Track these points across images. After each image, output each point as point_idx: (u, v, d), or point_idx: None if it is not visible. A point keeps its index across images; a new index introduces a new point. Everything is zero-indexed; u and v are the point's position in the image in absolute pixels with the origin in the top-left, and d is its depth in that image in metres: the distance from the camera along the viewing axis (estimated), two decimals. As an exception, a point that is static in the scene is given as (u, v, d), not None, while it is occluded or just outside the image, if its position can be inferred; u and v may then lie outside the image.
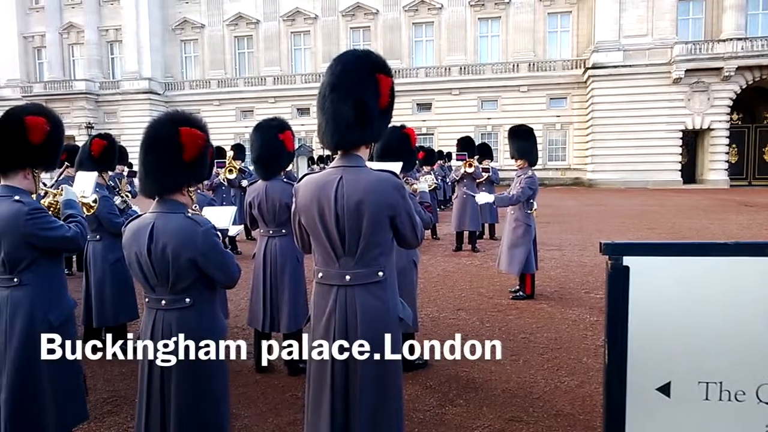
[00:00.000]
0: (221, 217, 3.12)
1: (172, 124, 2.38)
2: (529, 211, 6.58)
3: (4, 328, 2.67)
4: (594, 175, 32.17)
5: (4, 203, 2.64)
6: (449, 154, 17.59)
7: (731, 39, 28.99)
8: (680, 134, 30.91)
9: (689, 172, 31.72)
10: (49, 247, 2.72)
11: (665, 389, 1.75)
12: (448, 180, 15.04)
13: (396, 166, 3.15)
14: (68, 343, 2.79)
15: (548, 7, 34.72)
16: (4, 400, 2.64)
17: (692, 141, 31.84)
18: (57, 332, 2.71)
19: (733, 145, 31.65)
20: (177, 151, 2.35)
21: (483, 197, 6.91)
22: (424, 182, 3.47)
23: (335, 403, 2.30)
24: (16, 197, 2.65)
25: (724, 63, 29.07)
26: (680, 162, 31.38)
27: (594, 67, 31.53)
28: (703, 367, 1.73)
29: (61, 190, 3.14)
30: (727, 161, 31.19)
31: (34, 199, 2.83)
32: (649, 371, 1.75)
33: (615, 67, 31.07)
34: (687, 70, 29.60)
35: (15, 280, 2.67)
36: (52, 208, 3.02)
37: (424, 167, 12.13)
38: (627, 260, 1.73)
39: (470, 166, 10.32)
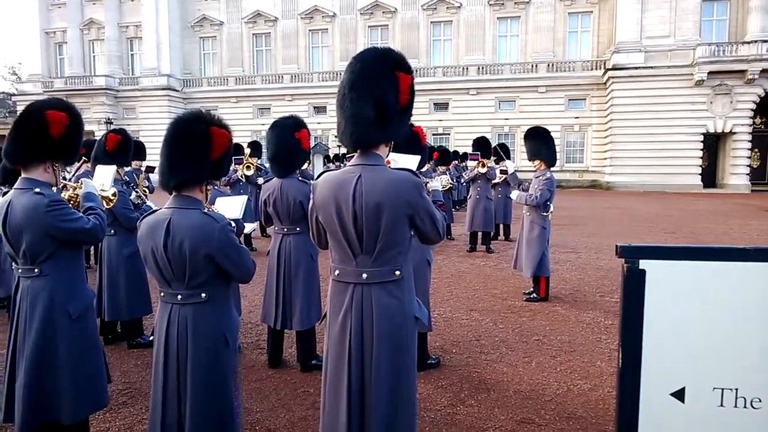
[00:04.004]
0: (232, 207, 3.13)
1: (203, 122, 2.42)
2: (545, 213, 6.54)
3: (25, 317, 2.73)
4: (612, 177, 31.86)
5: (25, 196, 2.69)
6: (465, 155, 17.54)
7: (756, 41, 28.48)
8: (701, 137, 30.48)
9: (710, 176, 31.29)
10: (68, 238, 2.76)
11: (679, 395, 1.73)
12: (462, 180, 15.00)
13: (414, 160, 3.14)
14: (87, 333, 2.85)
15: (569, 6, 34.44)
16: (22, 386, 2.69)
17: (713, 144, 31.41)
18: (76, 323, 2.77)
19: (755, 150, 31.17)
20: (205, 148, 2.41)
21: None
22: (438, 181, 3.45)
23: (352, 401, 2.30)
24: (37, 189, 2.70)
25: (748, 65, 28.61)
26: (701, 166, 30.97)
27: (614, 69, 31.21)
28: (719, 373, 1.71)
29: (81, 183, 3.19)
30: (749, 166, 30.74)
31: (54, 191, 2.87)
32: (663, 376, 1.73)
33: (636, 68, 30.73)
34: (710, 73, 29.17)
35: (36, 270, 2.73)
36: (72, 201, 3.07)
37: (439, 167, 12.12)
38: (643, 263, 1.71)
39: (483, 166, 10.28)
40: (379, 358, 2.29)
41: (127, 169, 5.69)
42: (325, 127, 35.74)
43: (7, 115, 44.37)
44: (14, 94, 46.83)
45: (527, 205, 6.61)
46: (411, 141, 3.92)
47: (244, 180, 10.62)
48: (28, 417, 2.67)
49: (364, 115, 2.25)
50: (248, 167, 10.56)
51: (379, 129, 2.28)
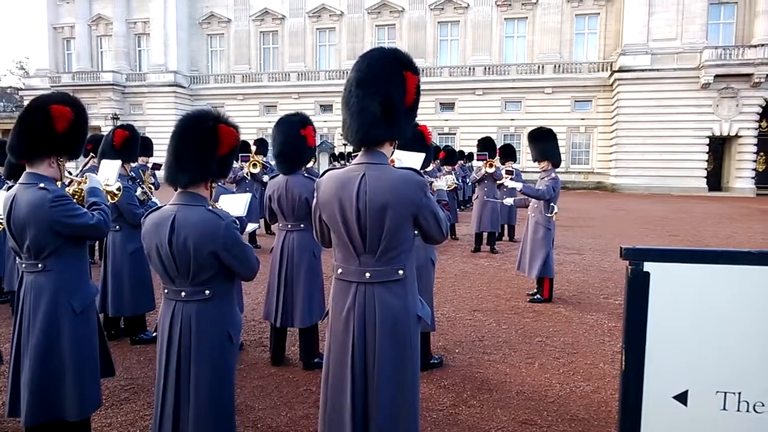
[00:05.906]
0: (236, 204, 3.14)
1: (211, 119, 2.43)
2: (549, 215, 6.51)
3: (28, 313, 2.73)
4: (617, 179, 31.78)
5: (30, 190, 2.69)
6: (470, 155, 17.51)
7: (763, 45, 28.30)
8: (707, 140, 30.37)
9: (715, 179, 31.15)
10: (73, 234, 2.76)
11: (682, 398, 1.72)
12: (468, 180, 14.99)
13: (418, 158, 3.14)
14: (90, 328, 2.85)
15: (576, 8, 34.32)
16: (26, 382, 2.69)
17: (719, 148, 31.27)
18: (79, 318, 2.77)
19: (761, 153, 30.98)
20: (213, 145, 2.41)
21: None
22: (443, 181, 3.45)
23: (356, 401, 2.30)
24: (41, 185, 2.69)
25: (755, 69, 28.45)
26: (706, 169, 30.83)
27: (621, 71, 31.10)
28: (722, 376, 1.70)
29: (86, 178, 3.19)
30: (755, 169, 30.57)
31: (59, 187, 2.87)
32: (666, 379, 1.73)
33: (642, 70, 30.61)
34: (716, 76, 29.06)
35: (39, 265, 2.73)
36: (76, 196, 3.07)
37: (445, 167, 12.10)
38: (648, 266, 1.71)
39: (491, 166, 10.27)
40: (382, 357, 2.29)
41: (133, 165, 5.70)
42: (331, 125, 35.73)
43: (14, 109, 44.53)
44: (21, 89, 46.99)
45: (531, 196, 6.51)
46: (417, 140, 3.92)
47: (249, 177, 10.65)
48: (34, 412, 2.68)
49: (370, 112, 2.25)
50: (254, 165, 10.57)
51: (384, 127, 2.28)
